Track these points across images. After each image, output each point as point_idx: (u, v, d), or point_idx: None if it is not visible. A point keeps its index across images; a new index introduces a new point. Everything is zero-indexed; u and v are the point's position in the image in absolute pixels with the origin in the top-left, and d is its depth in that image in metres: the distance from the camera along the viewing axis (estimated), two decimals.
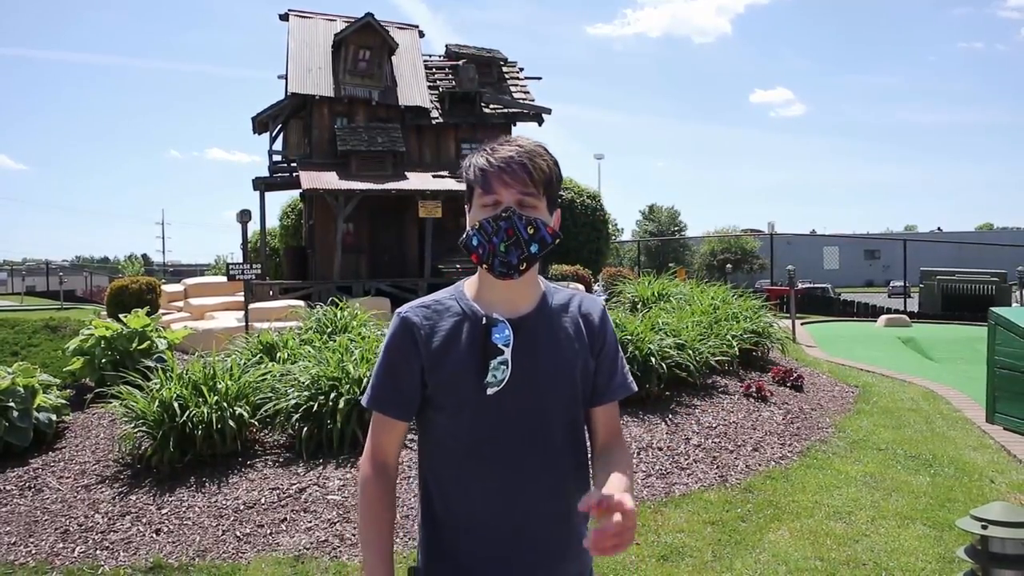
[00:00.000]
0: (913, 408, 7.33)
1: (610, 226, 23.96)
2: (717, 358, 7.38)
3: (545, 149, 1.52)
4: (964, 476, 5.33)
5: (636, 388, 1.69)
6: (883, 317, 16.83)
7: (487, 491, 1.52)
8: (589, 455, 1.64)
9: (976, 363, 10.05)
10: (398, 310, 1.60)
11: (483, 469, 1.52)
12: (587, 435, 1.64)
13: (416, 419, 1.60)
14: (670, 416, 6.24)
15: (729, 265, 35.99)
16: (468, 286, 1.60)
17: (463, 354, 1.50)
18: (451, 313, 1.55)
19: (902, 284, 23.97)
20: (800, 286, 17.23)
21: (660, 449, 5.60)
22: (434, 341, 1.52)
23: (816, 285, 33.60)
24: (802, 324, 14.40)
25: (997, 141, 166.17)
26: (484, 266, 1.49)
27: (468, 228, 1.51)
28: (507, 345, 1.49)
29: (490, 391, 1.48)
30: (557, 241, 1.51)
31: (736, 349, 7.77)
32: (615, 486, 1.41)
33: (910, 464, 5.60)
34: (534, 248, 1.47)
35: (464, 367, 1.50)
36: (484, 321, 1.50)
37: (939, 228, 70.52)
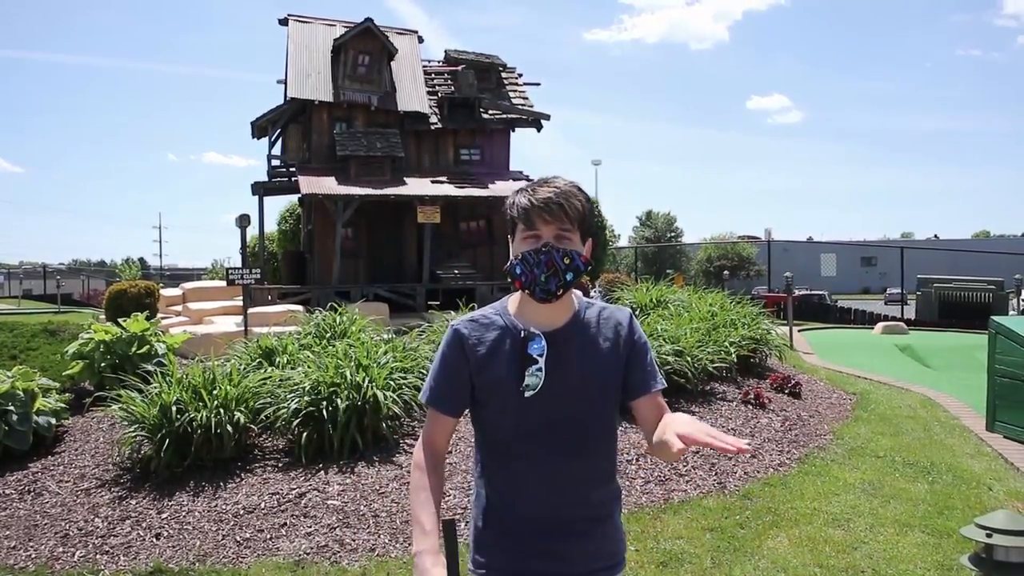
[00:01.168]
0: (911, 415, 7.36)
1: (607, 232, 24.01)
2: (715, 365, 7.39)
3: (579, 189, 1.78)
4: (962, 484, 5.35)
5: (665, 383, 1.91)
6: (880, 324, 16.86)
7: (527, 476, 1.77)
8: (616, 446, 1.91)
9: (973, 371, 10.09)
10: (452, 323, 1.88)
11: (523, 458, 1.77)
12: (640, 425, 1.86)
13: (471, 413, 1.87)
14: None
15: (726, 272, 36.08)
16: (512, 303, 1.85)
17: (504, 362, 1.76)
18: (495, 327, 1.81)
19: (899, 291, 24.03)
20: (797, 293, 17.25)
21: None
22: (479, 350, 1.79)
23: (813, 292, 33.62)
24: (799, 331, 14.41)
25: (994, 148, 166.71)
26: (526, 291, 1.74)
27: (512, 257, 1.75)
28: (541, 355, 1.74)
29: (527, 395, 1.73)
30: (590, 268, 1.82)
31: (734, 356, 7.79)
32: (670, 426, 1.57)
33: (908, 471, 5.62)
34: (569, 276, 1.71)
35: (505, 373, 1.75)
36: (523, 335, 1.75)
37: (936, 235, 70.73)
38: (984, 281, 20.25)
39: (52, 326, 9.63)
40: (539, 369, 1.73)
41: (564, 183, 1.76)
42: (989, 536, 1.67)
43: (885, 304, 35.06)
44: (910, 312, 21.04)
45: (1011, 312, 19.64)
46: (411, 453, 5.42)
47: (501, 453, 1.81)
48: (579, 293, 1.88)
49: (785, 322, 13.16)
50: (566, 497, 1.76)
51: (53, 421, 5.86)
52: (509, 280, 1.75)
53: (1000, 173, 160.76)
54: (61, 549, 4.30)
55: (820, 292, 34.73)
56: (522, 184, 1.83)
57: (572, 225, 1.72)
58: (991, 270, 26.03)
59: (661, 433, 1.62)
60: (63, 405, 6.18)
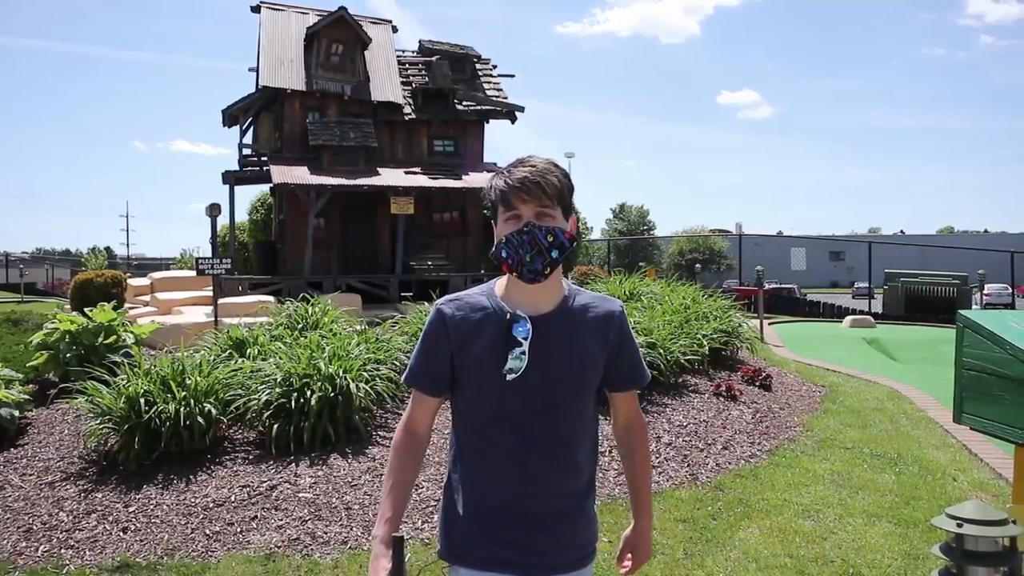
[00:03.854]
0: (878, 408, 7.48)
1: (580, 224, 24.07)
2: (688, 357, 7.45)
3: (555, 165, 1.76)
4: (928, 474, 5.45)
5: (650, 377, 1.95)
6: (848, 318, 17.13)
7: (500, 465, 1.76)
8: (596, 433, 1.91)
9: (938, 364, 10.27)
10: (436, 302, 1.86)
11: (499, 440, 1.76)
12: (612, 414, 1.94)
13: (450, 396, 1.85)
14: None
15: (698, 265, 36.39)
16: (499, 286, 1.83)
17: (487, 343, 1.74)
18: (480, 307, 1.78)
19: (866, 285, 24.42)
20: (767, 286, 17.47)
21: None
22: (463, 330, 1.77)
23: (783, 286, 34.05)
24: (770, 324, 14.58)
25: (958, 146, 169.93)
26: (514, 273, 1.72)
27: (496, 241, 1.74)
28: (526, 339, 1.72)
29: (509, 377, 1.71)
30: (575, 244, 1.75)
31: (706, 348, 7.85)
32: (634, 540, 1.94)
33: (876, 463, 5.71)
34: (555, 253, 1.70)
35: (486, 354, 1.73)
36: (508, 316, 1.74)
37: (902, 231, 71.98)
38: (949, 276, 20.65)
39: (15, 316, 9.43)
40: (523, 352, 1.71)
41: (540, 161, 1.76)
42: (960, 526, 1.70)
43: (853, 298, 35.56)
44: (877, 306, 21.41)
45: (974, 306, 20.06)
46: (385, 445, 5.39)
47: (477, 439, 1.80)
48: (569, 282, 1.87)
49: (756, 315, 13.30)
50: (538, 487, 1.75)
51: (16, 413, 5.73)
52: (496, 263, 1.74)
53: (964, 170, 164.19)
54: (24, 544, 4.20)
55: (790, 286, 35.23)
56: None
57: (552, 202, 1.72)
58: (956, 265, 26.50)
59: (631, 545, 1.93)
60: (27, 397, 6.05)
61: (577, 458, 1.81)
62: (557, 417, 1.77)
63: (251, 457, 5.19)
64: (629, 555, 1.92)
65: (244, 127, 16.17)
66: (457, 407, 1.86)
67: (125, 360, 5.96)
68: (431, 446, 5.34)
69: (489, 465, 1.77)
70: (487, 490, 1.77)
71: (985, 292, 22.19)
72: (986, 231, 71.24)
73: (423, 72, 16.87)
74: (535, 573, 1.75)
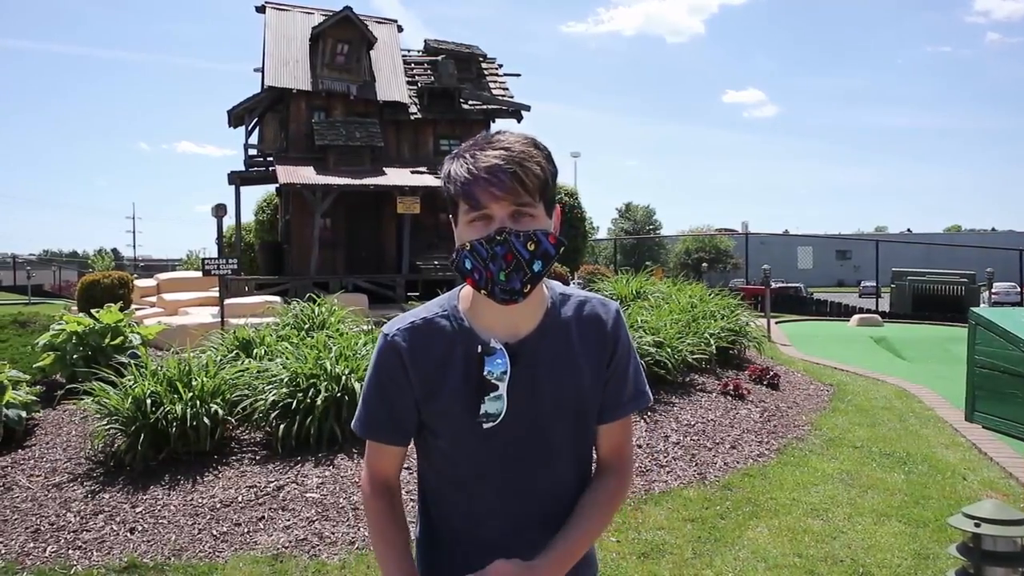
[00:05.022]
0: (887, 407, 7.43)
1: (587, 224, 24.04)
2: (695, 356, 7.42)
3: (535, 145, 1.34)
4: (937, 474, 5.41)
5: (651, 399, 1.54)
6: (855, 317, 17.06)
7: (488, 506, 1.44)
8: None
9: (947, 363, 10.23)
10: (383, 329, 1.45)
11: (484, 495, 1.43)
12: (596, 443, 1.53)
13: (415, 439, 1.49)
14: (649, 413, 6.26)
15: (704, 264, 36.33)
16: (463, 298, 1.44)
17: (457, 384, 1.37)
18: (443, 335, 1.40)
19: (873, 284, 24.31)
20: (774, 285, 17.40)
21: (639, 447, 5.61)
22: (424, 369, 1.39)
23: (789, 284, 34.00)
24: (777, 323, 14.54)
25: (965, 144, 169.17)
26: (483, 292, 1.32)
27: (458, 246, 1.33)
28: (502, 378, 1.36)
29: (486, 426, 1.37)
30: (563, 249, 1.35)
31: (714, 347, 7.82)
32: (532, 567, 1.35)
33: (885, 462, 5.67)
34: (537, 266, 1.30)
35: (457, 399, 1.37)
36: (479, 349, 1.37)
37: (909, 229, 71.72)
38: (957, 274, 20.56)
39: (22, 317, 9.46)
40: (498, 396, 1.36)
41: (515, 140, 1.32)
42: (978, 526, 1.67)
43: (860, 297, 35.48)
44: (885, 305, 21.32)
45: (982, 304, 19.96)
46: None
47: (455, 487, 1.46)
48: (553, 283, 1.48)
49: (763, 314, 13.26)
50: (533, 520, 1.44)
51: (23, 414, 5.74)
52: (460, 278, 1.35)
53: (971, 169, 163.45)
54: (32, 545, 4.20)
55: (796, 285, 35.16)
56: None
57: (532, 197, 1.30)
58: (963, 264, 26.43)
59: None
60: (34, 398, 6.06)
61: (575, 484, 1.49)
62: (550, 455, 1.43)
63: (258, 457, 5.18)
64: None
65: (250, 127, 16.20)
66: (426, 454, 1.49)
67: (132, 361, 5.96)
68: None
69: (472, 512, 1.45)
70: (475, 534, 1.46)
71: (993, 291, 22.05)
72: (993, 229, 70.93)
73: (429, 72, 16.88)
74: None
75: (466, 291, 1.43)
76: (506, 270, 1.28)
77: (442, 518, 1.49)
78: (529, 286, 1.30)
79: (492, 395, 1.36)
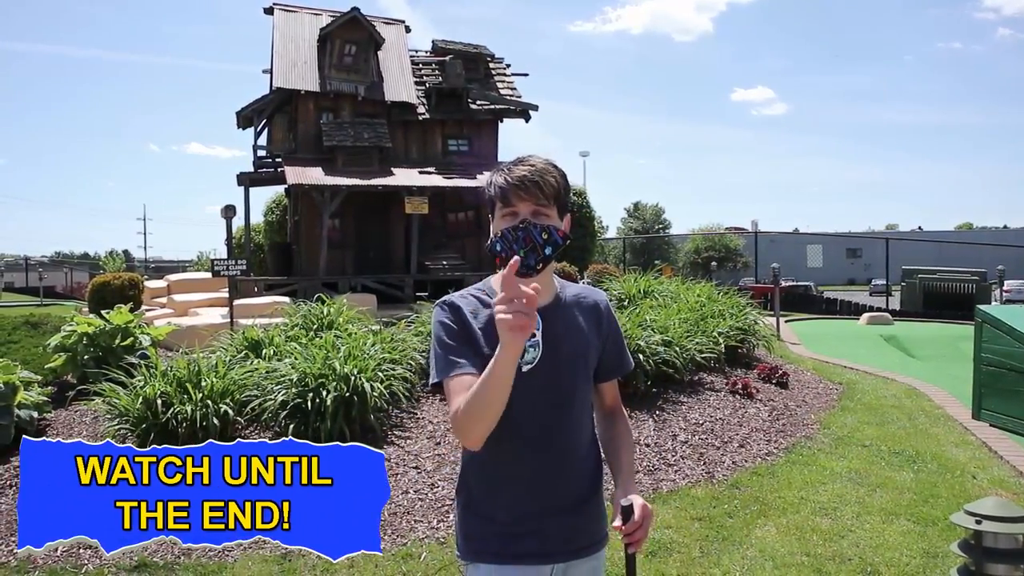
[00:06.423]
0: (896, 405, 7.40)
1: (595, 223, 24.01)
2: (703, 355, 7.41)
3: (554, 166, 1.81)
4: (947, 472, 5.38)
5: (632, 364, 2.04)
6: (865, 315, 16.97)
7: (519, 451, 1.78)
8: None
9: (957, 361, 10.17)
10: (441, 299, 1.86)
11: (518, 432, 1.76)
12: (595, 403, 1.98)
13: None
14: (657, 412, 6.26)
15: (714, 263, 36.23)
16: (495, 282, 1.84)
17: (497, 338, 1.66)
18: (486, 304, 1.81)
19: (884, 282, 24.18)
20: (783, 284, 17.33)
21: (648, 446, 5.61)
22: (479, 322, 1.78)
23: (799, 283, 33.80)
24: (786, 322, 14.48)
25: (976, 141, 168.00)
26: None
27: (492, 235, 1.77)
28: (538, 329, 1.75)
29: (524, 368, 1.73)
30: (568, 241, 1.78)
31: (722, 346, 7.81)
32: (626, 490, 1.79)
33: (894, 460, 5.65)
34: (548, 250, 1.72)
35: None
36: None
37: (920, 227, 71.26)
38: (967, 272, 20.42)
39: (34, 319, 9.53)
40: (535, 343, 1.76)
41: (539, 161, 1.80)
42: (979, 523, 1.67)
43: (870, 295, 35.30)
44: (895, 303, 21.19)
45: (994, 302, 19.83)
46: (400, 445, 5.40)
47: (493, 433, 1.72)
48: (558, 279, 1.93)
49: (772, 313, 13.21)
50: (557, 475, 1.80)
51: (35, 414, 5.79)
52: (491, 257, 1.77)
53: (982, 166, 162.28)
54: None
55: (806, 283, 34.97)
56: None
57: (548, 201, 1.76)
58: (974, 261, 26.24)
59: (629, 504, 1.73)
60: (45, 398, 6.12)
61: (588, 444, 1.89)
62: (571, 404, 1.82)
63: None
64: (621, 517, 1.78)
65: (258, 129, 16.25)
66: None
67: (142, 362, 6.01)
68: (446, 444, 5.35)
69: (508, 459, 1.79)
70: (506, 484, 1.79)
71: (1005, 288, 21.90)
72: (1005, 227, 70.36)
73: (436, 72, 16.89)
74: (557, 559, 1.79)
75: (496, 279, 1.83)
76: (525, 249, 1.70)
77: (480, 468, 1.83)
78: (542, 264, 1.72)
79: (530, 342, 1.74)
